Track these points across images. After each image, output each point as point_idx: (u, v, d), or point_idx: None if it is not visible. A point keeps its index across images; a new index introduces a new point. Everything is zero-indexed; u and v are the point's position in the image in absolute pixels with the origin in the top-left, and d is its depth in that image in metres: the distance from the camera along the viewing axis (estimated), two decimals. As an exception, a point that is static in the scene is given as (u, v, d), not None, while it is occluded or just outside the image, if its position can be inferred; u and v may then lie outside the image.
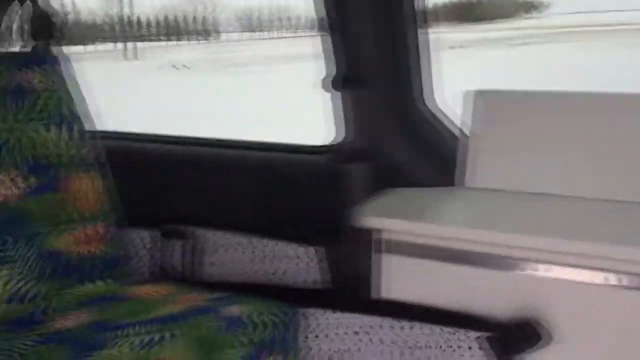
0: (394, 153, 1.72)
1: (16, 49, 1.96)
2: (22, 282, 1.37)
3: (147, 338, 1.23)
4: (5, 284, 1.33)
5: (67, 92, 1.59)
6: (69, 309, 1.38)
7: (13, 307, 1.34)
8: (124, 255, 1.64)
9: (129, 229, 1.70)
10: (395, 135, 1.72)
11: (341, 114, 1.72)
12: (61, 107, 1.55)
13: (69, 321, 1.31)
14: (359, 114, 1.68)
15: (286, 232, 1.62)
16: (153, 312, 1.35)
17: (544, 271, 1.30)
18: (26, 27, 1.68)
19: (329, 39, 1.66)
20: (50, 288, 1.43)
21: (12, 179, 1.40)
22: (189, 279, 1.68)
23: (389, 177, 1.68)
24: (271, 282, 1.61)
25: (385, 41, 1.66)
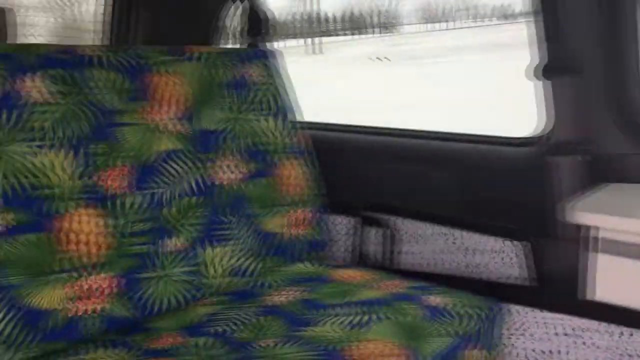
0: (608, 145, 1.59)
1: (229, 45, 2.14)
2: (243, 259, 1.50)
3: (355, 319, 1.28)
4: (230, 258, 1.47)
5: (282, 85, 1.70)
6: (281, 285, 1.48)
7: (235, 280, 1.47)
8: (327, 239, 1.72)
9: (331, 214, 1.78)
10: (609, 126, 1.58)
11: (549, 103, 1.63)
12: (276, 99, 1.66)
13: (282, 297, 1.41)
14: (570, 103, 1.58)
15: (487, 225, 1.58)
16: (357, 295, 1.40)
17: None
18: (239, 24, 1.82)
19: (539, 25, 1.58)
20: (264, 265, 1.55)
21: (235, 165, 1.53)
22: (386, 267, 1.71)
23: (602, 170, 1.56)
24: (471, 275, 1.59)
25: (602, 24, 1.53)
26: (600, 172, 1.55)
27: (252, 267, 1.52)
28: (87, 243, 1.24)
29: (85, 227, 1.24)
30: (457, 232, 1.61)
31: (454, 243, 1.61)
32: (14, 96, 1.20)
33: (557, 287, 1.45)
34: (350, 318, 1.28)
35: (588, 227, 1.38)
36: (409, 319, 1.28)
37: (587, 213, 1.35)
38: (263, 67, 1.66)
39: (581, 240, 1.42)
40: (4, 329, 1.11)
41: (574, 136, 1.60)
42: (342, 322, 1.26)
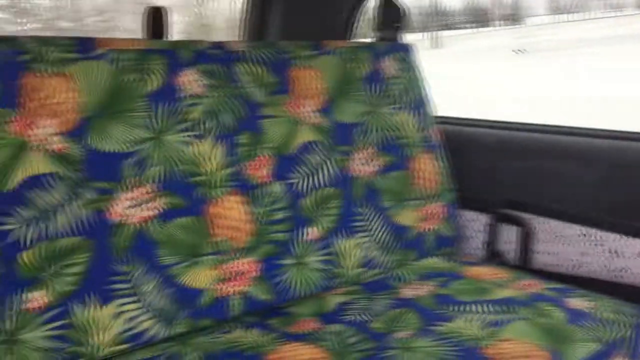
0: None
1: (363, 39, 2.16)
2: (376, 251, 1.51)
3: (491, 318, 1.25)
4: (362, 250, 1.49)
5: (419, 79, 1.69)
6: (413, 279, 1.48)
7: (369, 272, 1.49)
8: (459, 235, 1.69)
9: (464, 210, 1.75)
10: None
11: None
12: (412, 93, 1.66)
13: (415, 290, 1.41)
14: None
15: (632, 226, 1.48)
16: (491, 293, 1.37)
17: None
18: (374, 18, 1.83)
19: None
20: (395, 258, 1.56)
21: (370, 157, 1.55)
22: (521, 267, 1.66)
23: None
24: (614, 279, 1.50)
25: None
26: None
27: (384, 259, 1.53)
28: (233, 228, 1.31)
29: (231, 213, 1.31)
30: (599, 233, 1.52)
31: (595, 245, 1.53)
32: (172, 89, 1.29)
33: None
34: (485, 316, 1.26)
35: None
36: (550, 320, 1.24)
37: None
38: (399, 61, 1.66)
39: None
40: (160, 306, 1.20)
41: None
42: (477, 320, 1.24)
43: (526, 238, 1.66)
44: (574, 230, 1.57)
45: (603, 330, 1.23)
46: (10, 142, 1.08)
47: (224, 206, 1.30)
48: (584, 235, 1.56)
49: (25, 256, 1.05)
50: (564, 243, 1.60)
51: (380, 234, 1.55)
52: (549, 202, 1.65)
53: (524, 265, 1.66)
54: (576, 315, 1.26)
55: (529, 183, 1.70)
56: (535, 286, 1.41)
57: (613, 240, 1.50)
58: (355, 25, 2.11)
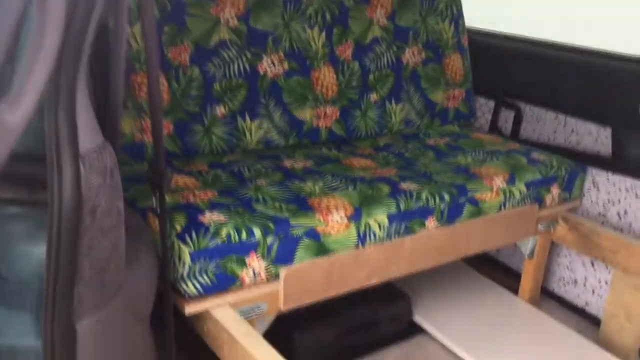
0: None
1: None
2: (414, 115, 2.29)
3: (481, 158, 2.03)
4: (404, 112, 2.27)
5: None
6: (435, 136, 2.26)
7: (408, 128, 2.28)
8: (472, 113, 2.46)
9: (477, 96, 2.50)
10: None
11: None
12: (454, 8, 2.37)
13: (435, 141, 2.19)
14: None
15: (586, 113, 2.19)
16: (486, 147, 2.14)
17: None
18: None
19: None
20: (426, 122, 2.33)
21: (416, 52, 2.29)
22: (513, 137, 2.42)
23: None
24: (569, 147, 2.25)
25: None
26: None
27: (417, 121, 2.31)
28: (326, 87, 2.09)
29: (326, 77, 2.09)
30: (567, 118, 2.26)
31: (563, 125, 2.26)
32: (297, -6, 2.05)
33: (629, 157, 2.08)
34: (479, 156, 2.04)
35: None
36: (515, 162, 2.01)
37: None
38: None
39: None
40: (281, 126, 2.02)
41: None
42: (472, 157, 2.03)
43: (518, 119, 2.41)
44: (550, 115, 2.31)
45: (547, 169, 2.00)
46: (211, 19, 1.87)
47: (322, 72, 2.08)
48: (556, 118, 2.29)
49: (217, 86, 1.87)
50: (543, 123, 2.34)
51: (418, 104, 2.32)
52: (539, 95, 2.38)
53: (515, 137, 2.42)
54: (533, 161, 2.03)
55: (526, 82, 2.42)
56: (515, 146, 2.18)
57: (575, 123, 2.24)
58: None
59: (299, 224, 1.51)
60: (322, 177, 1.76)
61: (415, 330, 2.06)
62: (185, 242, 1.38)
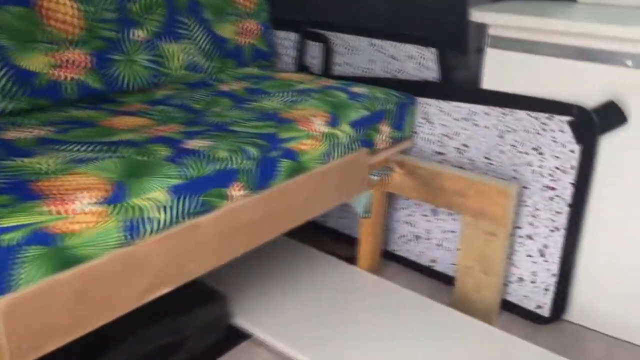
0: None
1: None
2: (198, 57, 1.74)
3: (291, 98, 1.56)
4: (186, 55, 1.71)
5: None
6: (231, 80, 1.74)
7: (191, 74, 1.73)
8: (273, 51, 1.97)
9: (276, 30, 2.02)
10: None
11: None
12: None
13: (231, 86, 1.67)
14: None
15: (406, 35, 1.84)
16: (295, 87, 1.68)
17: (633, 65, 1.44)
18: None
19: None
20: (216, 65, 1.80)
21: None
22: (326, 75, 1.98)
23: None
24: (395, 77, 1.87)
25: None
26: None
27: (205, 64, 1.77)
28: (64, 22, 1.46)
29: (62, 8, 1.45)
30: (382, 43, 1.87)
31: (379, 52, 1.88)
32: None
33: (460, 81, 1.76)
34: (288, 98, 1.56)
35: (485, 26, 1.65)
36: (334, 99, 1.57)
37: (484, 12, 1.61)
38: None
39: (483, 38, 1.70)
40: (1, 84, 1.35)
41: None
42: (280, 100, 1.55)
43: (328, 52, 1.98)
44: (363, 42, 1.91)
45: (372, 104, 1.59)
46: None
47: (56, 0, 1.44)
48: (373, 45, 1.89)
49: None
50: (356, 53, 1.94)
51: (203, 42, 1.77)
52: (347, 19, 1.96)
53: (327, 73, 1.99)
54: (355, 95, 1.61)
55: (330, 6, 1.99)
56: (330, 82, 1.74)
57: (393, 47, 1.86)
58: None
59: (16, 225, 0.90)
60: (65, 149, 1.16)
61: (237, 336, 1.56)
62: None
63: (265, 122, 1.38)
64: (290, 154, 1.32)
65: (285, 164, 1.31)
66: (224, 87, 1.67)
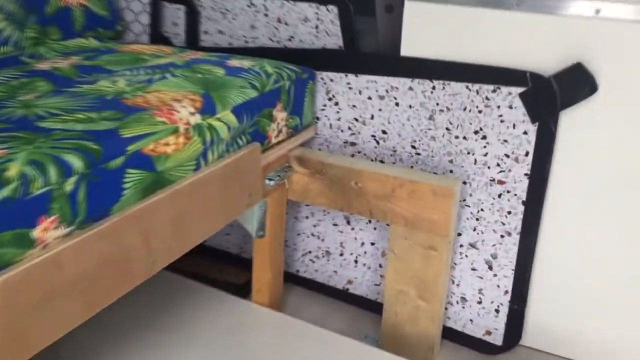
0: None
1: None
2: (2, 23, 1.19)
3: (142, 78, 1.07)
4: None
5: None
6: (54, 56, 1.21)
7: None
8: (115, 16, 1.45)
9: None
10: None
11: None
12: None
13: (53, 64, 1.15)
14: None
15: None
16: (149, 62, 1.18)
17: (590, 11, 1.10)
18: None
19: None
20: (32, 36, 1.25)
21: None
22: (192, 48, 1.50)
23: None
24: (287, 47, 1.43)
25: None
26: None
27: (15, 35, 1.22)
28: None
29: None
30: (267, 3, 1.42)
31: (263, 15, 1.42)
32: None
33: (371, 48, 1.35)
34: (139, 77, 1.07)
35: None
36: (207, 75, 1.10)
37: None
38: None
39: None
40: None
41: None
42: (126, 80, 1.05)
43: (193, 17, 1.49)
44: (241, 3, 1.45)
45: (262, 81, 1.14)
46: None
47: None
48: (253, 5, 1.43)
49: None
50: (233, 19, 1.47)
51: (7, 2, 1.22)
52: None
53: (193, 45, 1.51)
54: (236, 70, 1.15)
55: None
56: (198, 54, 1.26)
57: (281, 8, 1.41)
58: None
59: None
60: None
61: None
62: None
63: (101, 112, 0.89)
64: (142, 161, 0.84)
65: (134, 177, 0.83)
66: (42, 66, 1.14)
